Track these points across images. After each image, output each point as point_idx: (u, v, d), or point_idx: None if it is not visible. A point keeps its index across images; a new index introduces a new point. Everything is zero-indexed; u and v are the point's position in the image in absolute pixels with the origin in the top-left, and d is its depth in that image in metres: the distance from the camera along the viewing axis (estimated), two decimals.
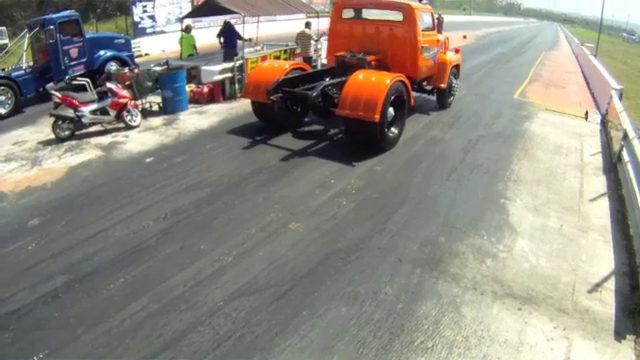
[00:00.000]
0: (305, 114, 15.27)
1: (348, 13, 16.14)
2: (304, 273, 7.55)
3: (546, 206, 10.23)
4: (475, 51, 22.12)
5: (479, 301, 7.06)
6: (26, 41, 18.22)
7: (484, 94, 19.83)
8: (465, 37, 20.12)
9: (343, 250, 8.19)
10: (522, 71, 27.16)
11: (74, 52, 18.85)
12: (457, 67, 17.78)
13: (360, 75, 12.66)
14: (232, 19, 20.39)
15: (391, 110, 12.57)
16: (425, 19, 15.36)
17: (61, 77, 17.07)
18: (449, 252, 8.25)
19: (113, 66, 19.74)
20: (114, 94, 14.41)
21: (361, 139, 12.73)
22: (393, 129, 13.07)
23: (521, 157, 12.75)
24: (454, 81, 17.55)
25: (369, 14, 16.28)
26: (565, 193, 10.95)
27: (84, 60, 19.24)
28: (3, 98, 17.05)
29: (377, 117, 11.69)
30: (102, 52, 20.12)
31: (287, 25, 33.68)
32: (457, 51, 18.09)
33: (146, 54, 28.80)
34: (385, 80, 12.31)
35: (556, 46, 55.60)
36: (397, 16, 15.08)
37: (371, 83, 12.30)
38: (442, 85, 16.69)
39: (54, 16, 18.75)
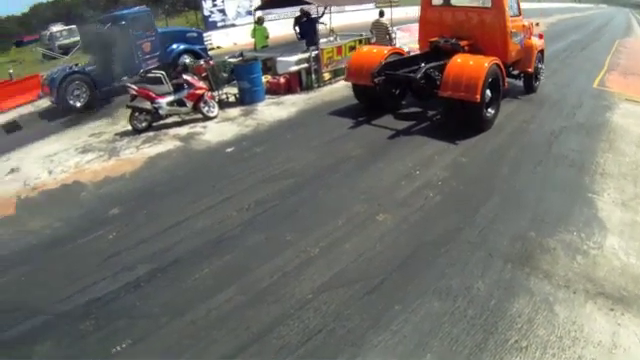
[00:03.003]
0: (404, 96, 15.79)
1: (437, 0, 16.36)
2: (394, 266, 7.39)
3: (634, 201, 9.76)
4: (550, 38, 21.72)
5: (572, 300, 6.76)
6: None
7: (563, 83, 19.32)
8: (537, 24, 19.79)
9: (432, 243, 7.99)
10: (598, 59, 26.46)
11: (147, 46, 19.25)
12: (542, 52, 17.81)
13: (459, 59, 13.07)
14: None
15: (488, 92, 12.88)
16: (512, 5, 15.45)
17: (135, 71, 17.32)
18: (540, 248, 7.95)
19: (186, 59, 20.14)
20: (191, 86, 14.55)
21: (461, 119, 13.10)
22: (490, 110, 13.40)
23: (605, 149, 12.29)
24: (540, 65, 17.62)
25: (457, 1, 16.39)
26: None
27: (157, 54, 19.58)
28: (78, 92, 17.44)
29: (478, 97, 12.12)
30: (175, 46, 20.65)
31: (355, 16, 33.64)
32: (541, 36, 18.17)
33: (218, 47, 29.21)
34: (484, 63, 12.69)
35: (629, 32, 53.97)
36: (486, 2, 15.32)
37: (470, 66, 12.71)
38: (529, 69, 16.80)
39: (126, 12, 19.10)
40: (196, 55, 20.93)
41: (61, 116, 17.32)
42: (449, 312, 6.44)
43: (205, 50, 22.25)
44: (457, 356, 5.76)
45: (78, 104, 17.69)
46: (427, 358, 5.71)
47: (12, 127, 17.76)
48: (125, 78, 16.79)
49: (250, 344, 5.98)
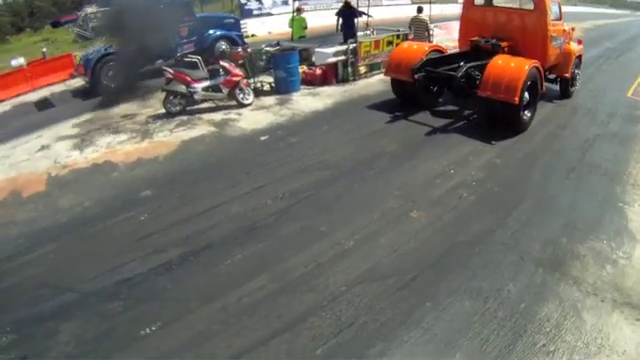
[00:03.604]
0: (441, 94, 15.85)
1: (480, 0, 16.39)
2: (428, 264, 7.46)
3: None
4: (585, 44, 21.44)
5: (599, 308, 6.81)
6: None
7: (598, 90, 19.18)
8: (573, 29, 19.56)
9: (465, 243, 8.05)
10: (633, 68, 26.01)
11: (184, 30, 19.29)
12: (579, 58, 17.79)
13: (499, 60, 13.20)
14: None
15: (526, 94, 12.98)
16: (554, 9, 15.38)
17: (171, 54, 17.43)
18: (570, 254, 7.98)
19: (223, 45, 20.19)
20: (227, 72, 14.61)
21: (498, 120, 13.19)
22: (527, 112, 13.49)
23: (638, 160, 12.19)
24: (576, 71, 17.56)
25: (499, 2, 16.46)
26: None
27: (194, 39, 19.64)
28: (113, 73, 17.53)
29: (517, 99, 12.25)
30: (212, 31, 20.66)
31: (389, 10, 33.49)
32: (580, 42, 18.11)
33: (252, 35, 29.22)
34: (524, 66, 12.78)
35: None
36: (528, 5, 15.29)
37: (511, 67, 12.82)
38: (566, 74, 16.77)
39: None
40: (232, 42, 21.06)
41: (93, 96, 17.42)
42: (480, 312, 6.51)
43: (242, 37, 22.25)
44: (486, 356, 5.84)
45: (113, 85, 17.82)
46: (457, 357, 5.80)
47: (44, 105, 17.93)
48: (160, 61, 16.82)
49: (281, 332, 6.06)
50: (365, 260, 7.47)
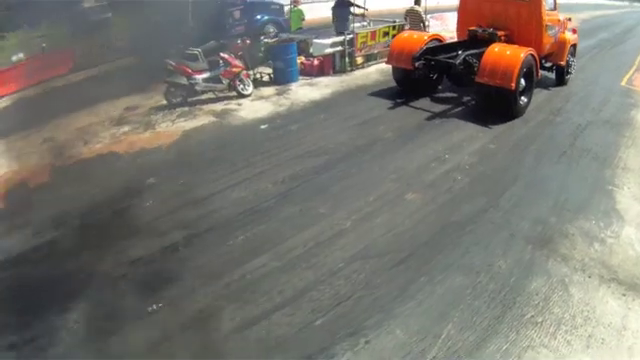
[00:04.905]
0: (440, 81, 16.30)
1: None
2: (422, 242, 7.72)
3: None
4: (580, 34, 21.51)
5: (586, 283, 7.06)
6: None
7: (591, 79, 19.30)
8: (569, 19, 19.68)
9: (458, 223, 8.31)
10: (628, 58, 26.10)
11: (237, 14, 20.49)
12: (574, 46, 18.08)
13: (496, 48, 13.58)
14: None
15: (522, 81, 13.31)
16: (549, 0, 15.70)
17: (226, 36, 17.97)
18: (559, 233, 8.23)
19: (270, 29, 21.01)
20: (227, 63, 14.80)
21: (495, 106, 13.51)
22: (523, 98, 13.86)
23: (629, 145, 12.41)
24: (571, 59, 17.81)
25: None
26: None
27: (245, 21, 20.82)
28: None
29: (513, 85, 12.62)
30: (259, 16, 21.63)
31: (388, 2, 33.35)
32: (574, 31, 18.37)
33: None
34: (520, 53, 13.18)
35: None
36: None
37: (507, 55, 13.17)
38: (561, 62, 17.09)
39: None
40: (279, 26, 21.84)
41: (94, 89, 17.47)
42: (471, 286, 6.79)
43: (287, 22, 22.67)
44: (477, 326, 6.09)
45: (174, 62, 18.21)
46: (449, 327, 6.04)
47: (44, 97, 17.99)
48: (212, 42, 16.85)
49: (282, 306, 6.33)
50: (362, 239, 7.74)
